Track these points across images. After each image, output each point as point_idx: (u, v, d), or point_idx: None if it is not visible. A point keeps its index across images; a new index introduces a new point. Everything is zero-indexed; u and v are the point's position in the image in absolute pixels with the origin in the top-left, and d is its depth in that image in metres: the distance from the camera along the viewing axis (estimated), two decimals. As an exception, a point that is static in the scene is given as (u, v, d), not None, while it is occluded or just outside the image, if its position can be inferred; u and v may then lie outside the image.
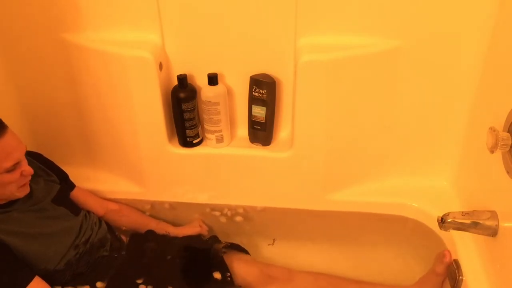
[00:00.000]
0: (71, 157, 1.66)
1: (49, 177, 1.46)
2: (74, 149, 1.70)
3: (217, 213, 1.72)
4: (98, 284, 1.41)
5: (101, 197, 1.65)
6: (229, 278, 1.46)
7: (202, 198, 1.67)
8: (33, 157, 1.41)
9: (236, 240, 1.66)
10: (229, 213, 1.71)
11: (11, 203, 1.29)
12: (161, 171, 1.61)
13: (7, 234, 1.24)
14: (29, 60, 1.51)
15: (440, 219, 1.24)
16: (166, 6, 1.37)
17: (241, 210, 1.70)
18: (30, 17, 1.42)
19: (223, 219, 1.72)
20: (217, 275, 1.44)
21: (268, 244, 1.72)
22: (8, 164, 1.18)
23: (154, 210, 1.72)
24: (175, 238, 1.61)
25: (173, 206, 1.71)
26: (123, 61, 1.39)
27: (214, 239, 1.64)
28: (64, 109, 1.60)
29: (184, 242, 1.58)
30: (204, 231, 1.69)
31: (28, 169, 1.26)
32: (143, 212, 1.72)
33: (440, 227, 1.24)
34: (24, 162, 1.25)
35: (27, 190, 1.29)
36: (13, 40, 1.47)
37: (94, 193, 1.63)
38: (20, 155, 1.22)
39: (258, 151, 1.55)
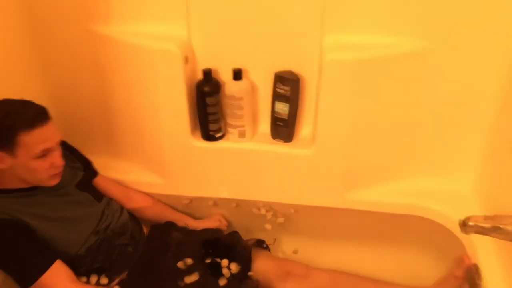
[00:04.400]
0: (95, 147, 1.68)
1: (74, 164, 1.49)
2: (98, 138, 1.73)
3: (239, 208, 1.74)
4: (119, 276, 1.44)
5: (126, 187, 1.68)
6: (249, 273, 1.48)
7: (222, 192, 1.67)
8: None
9: (255, 236, 1.67)
10: (255, 210, 1.72)
11: (37, 187, 1.32)
12: (182, 164, 1.63)
13: (31, 217, 1.27)
14: (58, 50, 1.53)
15: (462, 222, 1.22)
16: (194, 0, 1.38)
17: (261, 206, 1.71)
18: (61, 8, 1.45)
19: (245, 215, 1.74)
20: (222, 282, 1.44)
21: (269, 244, 1.72)
22: (38, 150, 1.22)
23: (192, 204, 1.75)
24: (195, 231, 1.63)
25: (216, 202, 1.73)
26: (150, 53, 1.41)
27: (236, 235, 1.64)
28: (90, 99, 1.63)
29: (205, 235, 1.59)
30: (223, 225, 1.70)
31: (59, 161, 1.29)
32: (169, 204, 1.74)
33: (461, 230, 1.23)
34: (57, 154, 1.28)
35: (57, 180, 1.33)
36: (43, 30, 1.50)
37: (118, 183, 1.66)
38: (52, 144, 1.25)
39: (279, 147, 1.56)
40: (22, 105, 1.22)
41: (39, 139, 1.21)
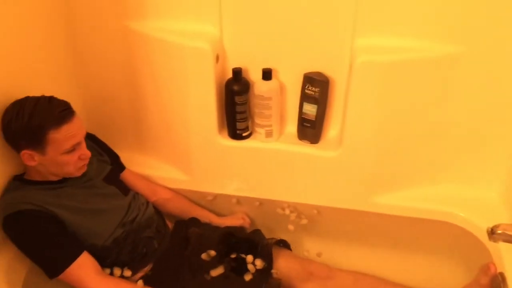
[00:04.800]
0: (123, 141, 1.71)
1: (102, 157, 1.52)
2: (126, 133, 1.75)
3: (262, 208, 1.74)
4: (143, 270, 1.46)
5: (151, 181, 1.70)
6: (272, 271, 1.49)
7: (246, 191, 1.69)
8: (87, 138, 1.46)
9: (277, 235, 1.67)
10: (280, 210, 1.73)
11: (65, 179, 1.35)
12: (208, 162, 1.64)
13: (60, 208, 1.29)
14: (91, 44, 1.56)
15: (490, 229, 1.21)
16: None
17: (285, 206, 1.71)
18: (97, 3, 1.47)
19: (268, 214, 1.74)
20: (247, 277, 1.45)
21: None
22: (68, 146, 1.25)
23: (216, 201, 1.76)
24: (218, 228, 1.64)
25: (240, 200, 1.74)
26: (182, 50, 1.42)
27: (259, 233, 1.65)
28: (120, 94, 1.65)
29: (227, 232, 1.60)
30: (246, 223, 1.71)
31: (86, 153, 1.32)
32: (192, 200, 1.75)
33: (489, 238, 1.22)
34: (83, 145, 1.31)
35: (84, 169, 1.36)
36: (78, 24, 1.52)
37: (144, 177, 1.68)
38: (80, 138, 1.28)
39: (306, 148, 1.56)
40: (46, 102, 1.24)
41: (67, 135, 1.24)
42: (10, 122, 1.22)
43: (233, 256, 1.49)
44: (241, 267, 1.46)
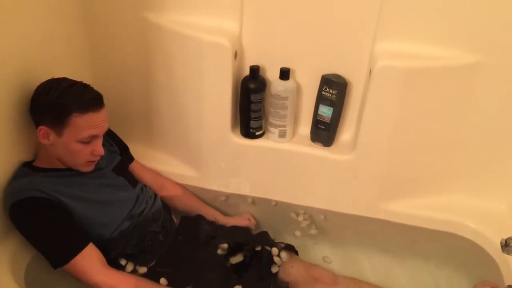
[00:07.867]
0: (133, 134, 1.68)
1: (111, 147, 1.50)
2: (136, 125, 1.73)
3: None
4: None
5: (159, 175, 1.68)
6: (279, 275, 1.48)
7: (255, 191, 1.67)
8: None
9: (283, 237, 1.66)
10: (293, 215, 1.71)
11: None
12: (219, 159, 1.62)
13: (69, 197, 1.27)
14: (108, 35, 1.54)
15: (504, 241, 1.21)
16: (250, -4, 1.39)
17: (301, 213, 1.70)
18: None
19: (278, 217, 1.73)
20: (274, 269, 1.46)
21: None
22: (85, 134, 1.23)
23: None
24: (225, 227, 1.63)
25: (255, 201, 1.72)
26: (200, 45, 1.41)
27: (266, 235, 1.63)
28: (134, 85, 1.63)
29: (234, 232, 1.59)
30: (252, 225, 1.69)
31: (99, 150, 1.29)
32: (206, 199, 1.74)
33: (503, 250, 1.21)
34: (100, 142, 1.29)
35: (91, 168, 1.34)
36: (96, 13, 1.51)
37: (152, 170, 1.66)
38: (100, 131, 1.27)
39: (318, 150, 1.55)
40: (80, 87, 1.24)
41: (89, 124, 1.22)
42: (40, 95, 1.22)
43: (258, 249, 1.49)
44: (268, 259, 1.48)
